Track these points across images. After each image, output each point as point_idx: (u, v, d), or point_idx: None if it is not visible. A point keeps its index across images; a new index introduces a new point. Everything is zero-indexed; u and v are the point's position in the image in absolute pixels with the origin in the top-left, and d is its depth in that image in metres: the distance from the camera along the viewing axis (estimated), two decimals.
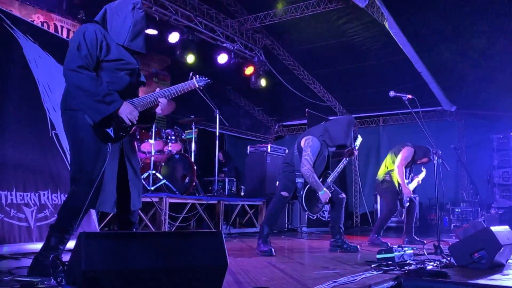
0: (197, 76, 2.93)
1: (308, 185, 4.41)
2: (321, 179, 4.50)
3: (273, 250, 4.19)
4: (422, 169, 5.93)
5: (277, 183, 4.64)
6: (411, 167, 5.76)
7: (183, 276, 1.87)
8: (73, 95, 2.61)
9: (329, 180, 4.60)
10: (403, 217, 5.65)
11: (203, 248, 1.95)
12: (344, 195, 4.70)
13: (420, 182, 5.89)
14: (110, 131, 2.63)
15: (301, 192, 4.42)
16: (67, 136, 2.73)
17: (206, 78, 2.94)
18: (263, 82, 8.63)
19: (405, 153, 5.54)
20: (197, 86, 2.90)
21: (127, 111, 2.65)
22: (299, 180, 4.43)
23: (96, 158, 2.62)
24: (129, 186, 2.81)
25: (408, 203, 5.59)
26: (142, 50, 2.89)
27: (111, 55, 2.69)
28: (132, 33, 2.78)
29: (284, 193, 4.44)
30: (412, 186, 5.71)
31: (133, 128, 2.81)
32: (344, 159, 4.82)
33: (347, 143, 4.56)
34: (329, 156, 4.69)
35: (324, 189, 4.42)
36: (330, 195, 4.48)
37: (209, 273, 1.94)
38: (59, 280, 2.07)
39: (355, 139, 4.80)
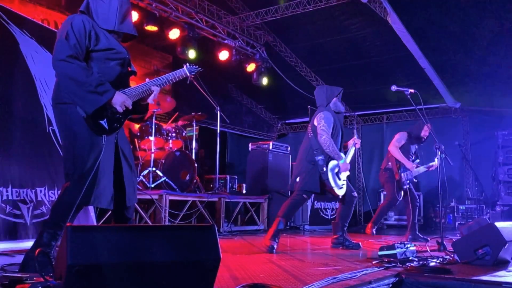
0: (188, 64, 2.87)
1: (328, 163, 4.34)
2: None
3: (275, 248, 4.12)
4: (435, 159, 5.82)
5: (298, 178, 4.48)
6: (416, 149, 5.91)
7: (174, 270, 1.81)
8: (63, 86, 2.54)
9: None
10: (406, 199, 5.58)
11: (196, 242, 1.89)
12: (356, 194, 4.62)
13: (433, 166, 5.74)
14: (103, 122, 2.57)
15: (325, 169, 4.33)
16: (59, 131, 2.68)
17: (197, 66, 2.88)
18: (265, 80, 8.56)
19: (397, 136, 5.77)
20: (188, 74, 2.85)
21: (120, 101, 2.59)
22: (319, 157, 4.35)
23: (90, 152, 2.56)
24: (124, 181, 2.76)
25: (407, 186, 5.59)
26: (133, 31, 2.84)
27: (100, 45, 2.63)
28: (120, 14, 2.73)
29: (305, 196, 4.37)
30: (416, 171, 5.72)
31: (126, 119, 2.75)
32: (352, 145, 4.76)
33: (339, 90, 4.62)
34: (342, 136, 4.61)
35: (344, 157, 4.38)
36: (349, 166, 4.46)
37: (202, 268, 1.87)
38: (49, 275, 2.01)
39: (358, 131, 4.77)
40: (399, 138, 5.72)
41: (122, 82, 2.74)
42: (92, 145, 2.57)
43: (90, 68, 2.58)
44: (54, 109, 2.65)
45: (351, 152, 4.73)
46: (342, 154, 4.49)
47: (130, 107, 2.66)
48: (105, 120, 2.59)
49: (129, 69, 2.86)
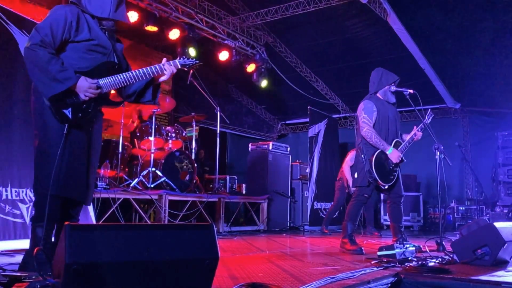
0: (182, 58, 2.77)
1: (374, 153, 4.21)
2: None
3: (363, 248, 4.08)
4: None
5: (356, 174, 4.44)
6: None
7: (172, 269, 1.81)
8: (30, 73, 2.50)
9: (398, 149, 4.33)
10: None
11: (194, 241, 1.89)
12: (403, 193, 4.46)
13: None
14: (67, 112, 2.53)
15: (364, 158, 4.23)
16: (33, 119, 2.63)
17: (195, 60, 2.77)
18: (265, 80, 8.56)
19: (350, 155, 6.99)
20: (179, 67, 2.74)
21: (84, 88, 2.53)
22: (363, 148, 4.26)
23: (58, 142, 2.50)
24: (89, 180, 2.73)
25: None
26: (125, 19, 2.80)
27: (81, 36, 2.59)
28: (115, 2, 2.69)
29: (366, 195, 4.32)
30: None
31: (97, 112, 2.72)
32: (414, 133, 4.52)
33: (395, 79, 4.47)
34: (396, 120, 4.48)
35: (392, 148, 4.24)
36: (400, 154, 4.27)
37: (200, 267, 1.87)
38: (48, 274, 2.01)
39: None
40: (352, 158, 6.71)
41: (103, 72, 2.66)
42: (60, 136, 2.51)
43: (58, 57, 2.53)
44: (31, 98, 2.61)
45: (406, 141, 4.45)
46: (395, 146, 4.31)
47: (94, 95, 2.59)
48: (69, 109, 2.54)
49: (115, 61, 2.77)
